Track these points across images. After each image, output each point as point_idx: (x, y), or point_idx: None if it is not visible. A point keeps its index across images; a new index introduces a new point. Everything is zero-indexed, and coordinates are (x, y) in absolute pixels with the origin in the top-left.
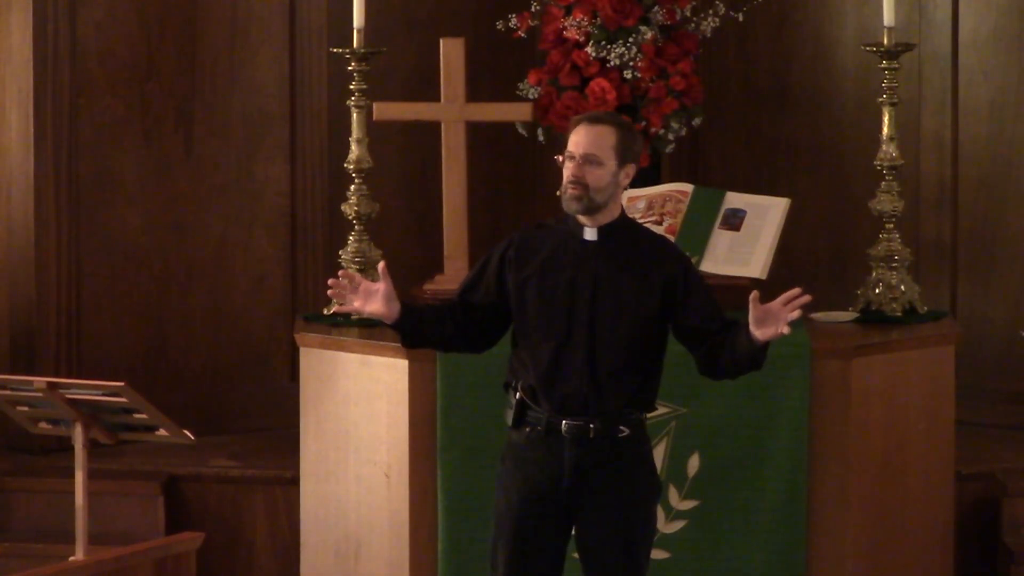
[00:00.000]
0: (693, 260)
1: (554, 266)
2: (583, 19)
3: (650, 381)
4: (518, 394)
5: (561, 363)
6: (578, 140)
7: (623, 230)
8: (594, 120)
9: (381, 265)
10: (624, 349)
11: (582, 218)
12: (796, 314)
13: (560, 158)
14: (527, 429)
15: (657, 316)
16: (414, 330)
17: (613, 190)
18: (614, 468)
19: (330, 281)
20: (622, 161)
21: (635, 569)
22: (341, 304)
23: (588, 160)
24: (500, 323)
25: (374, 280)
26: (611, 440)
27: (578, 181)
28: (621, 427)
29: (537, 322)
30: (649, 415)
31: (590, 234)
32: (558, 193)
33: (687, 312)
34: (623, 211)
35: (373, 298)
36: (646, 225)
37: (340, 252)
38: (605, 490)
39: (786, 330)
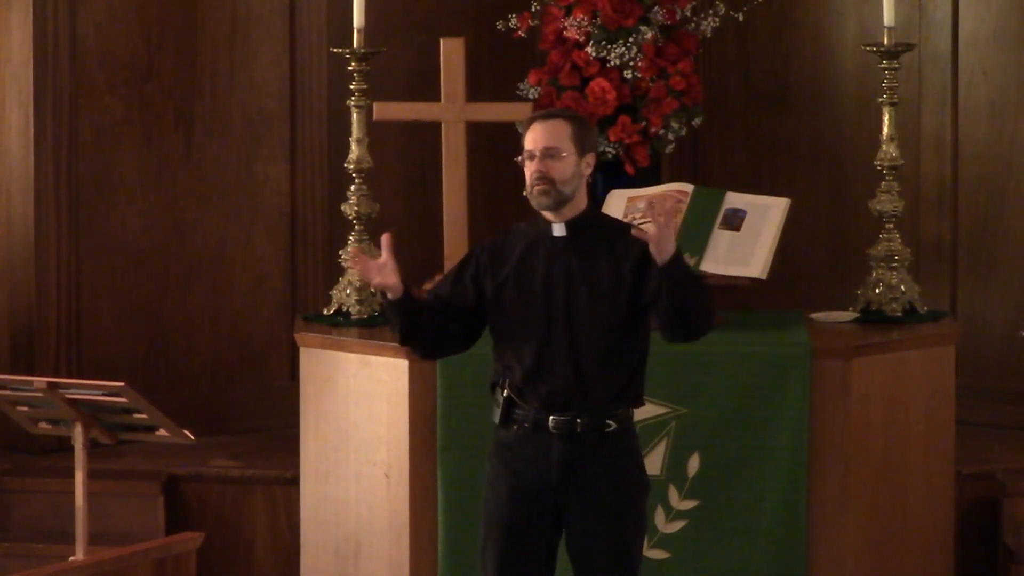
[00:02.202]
0: (693, 261)
1: (528, 266)
2: (583, 19)
3: (636, 374)
4: (504, 392)
5: (544, 360)
6: (535, 137)
7: (590, 222)
8: (547, 116)
9: (385, 237)
10: (604, 341)
11: (549, 215)
12: (660, 218)
13: (520, 159)
14: (514, 427)
15: (633, 303)
16: (415, 319)
17: (578, 181)
18: (602, 463)
19: (353, 263)
20: (581, 151)
21: (626, 566)
22: (366, 278)
23: (548, 154)
24: (474, 325)
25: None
26: (598, 435)
27: (543, 176)
28: (608, 421)
29: (517, 322)
30: (650, 415)
31: (558, 230)
32: (524, 194)
33: (649, 278)
34: (589, 203)
35: (384, 271)
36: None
37: (340, 252)
38: (594, 486)
39: (650, 231)
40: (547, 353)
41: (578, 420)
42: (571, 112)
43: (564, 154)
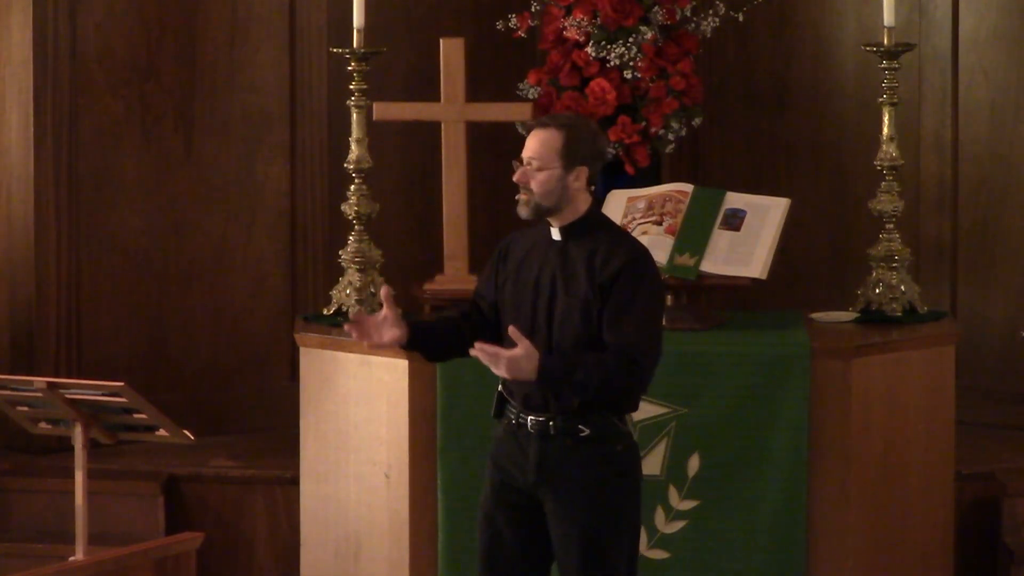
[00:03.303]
0: (693, 261)
1: (525, 267)
2: (583, 19)
3: None
4: (500, 387)
5: None
6: (526, 144)
7: (587, 228)
8: (541, 124)
9: (384, 290)
10: (579, 348)
11: (551, 219)
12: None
13: (516, 162)
14: (505, 422)
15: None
16: (432, 344)
17: (562, 193)
18: (576, 467)
19: (347, 327)
20: (569, 164)
21: (599, 571)
22: (367, 342)
23: (530, 164)
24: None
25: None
26: (573, 438)
27: (522, 187)
28: (580, 426)
29: (510, 321)
30: (650, 415)
31: (556, 234)
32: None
33: (605, 310)
34: (592, 209)
35: (384, 327)
36: (645, 225)
37: (340, 252)
38: (566, 487)
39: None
40: None
41: (551, 423)
42: (570, 121)
43: (545, 167)
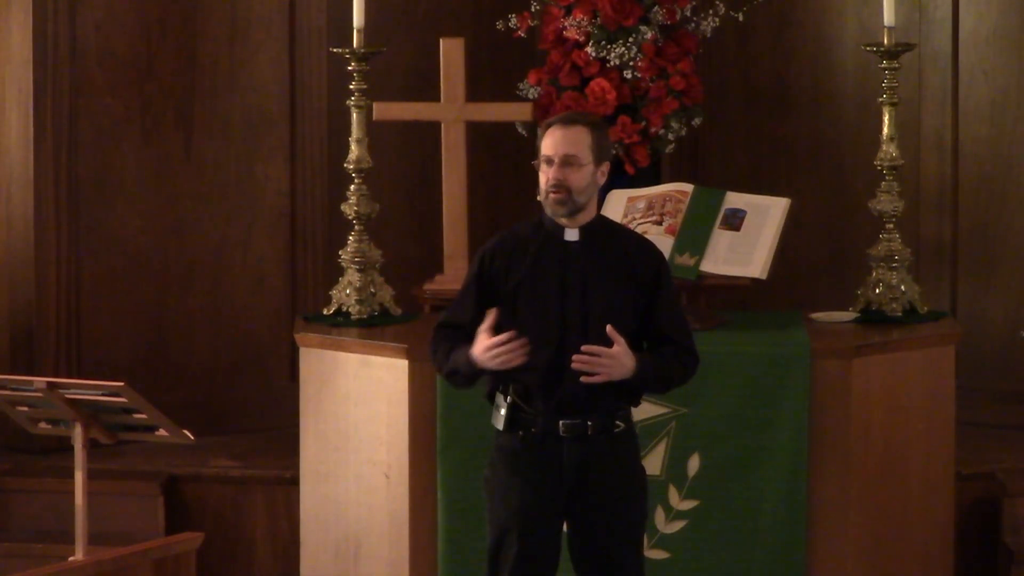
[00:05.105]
0: (693, 260)
1: (541, 270)
2: (583, 19)
3: None
4: (508, 398)
5: (558, 366)
6: (554, 142)
7: (603, 229)
8: (568, 121)
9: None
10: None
11: (562, 220)
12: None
13: (536, 163)
14: (520, 433)
15: (644, 311)
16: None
17: (593, 190)
18: (613, 462)
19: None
20: (598, 160)
21: (639, 560)
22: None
23: (567, 162)
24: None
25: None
26: (608, 435)
27: (560, 184)
28: (617, 422)
29: (530, 327)
30: (650, 415)
31: (571, 235)
32: (538, 198)
33: (648, 314)
34: (597, 209)
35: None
36: (645, 225)
37: (340, 252)
38: (608, 482)
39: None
40: (561, 360)
41: (589, 423)
42: (592, 118)
43: (583, 163)
